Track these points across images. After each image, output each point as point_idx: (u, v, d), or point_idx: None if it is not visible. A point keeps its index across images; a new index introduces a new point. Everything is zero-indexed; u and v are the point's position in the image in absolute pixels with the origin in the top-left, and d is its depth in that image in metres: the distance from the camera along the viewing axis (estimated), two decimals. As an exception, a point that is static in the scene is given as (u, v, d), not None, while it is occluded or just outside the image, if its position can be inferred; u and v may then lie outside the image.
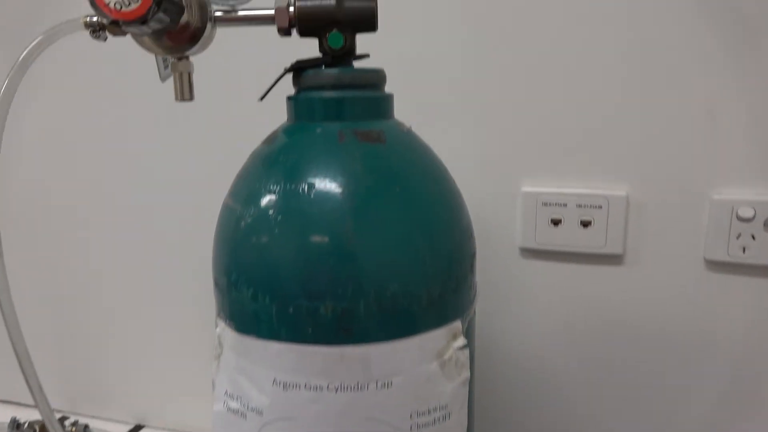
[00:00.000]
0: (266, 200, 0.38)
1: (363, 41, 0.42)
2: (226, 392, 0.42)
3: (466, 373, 0.42)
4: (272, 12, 0.41)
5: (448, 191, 0.43)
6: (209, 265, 0.43)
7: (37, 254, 0.78)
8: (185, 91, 0.42)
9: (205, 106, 0.61)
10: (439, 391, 0.40)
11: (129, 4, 0.33)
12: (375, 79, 0.42)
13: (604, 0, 0.55)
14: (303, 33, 0.41)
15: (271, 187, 0.38)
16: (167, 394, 0.79)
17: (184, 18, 0.38)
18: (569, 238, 0.59)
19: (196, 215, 0.69)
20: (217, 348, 0.43)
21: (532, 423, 0.66)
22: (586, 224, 0.58)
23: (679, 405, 0.61)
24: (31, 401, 0.53)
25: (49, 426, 0.54)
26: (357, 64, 0.43)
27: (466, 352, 0.42)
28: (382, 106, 0.42)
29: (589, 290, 0.61)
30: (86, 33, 0.42)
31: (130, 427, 0.80)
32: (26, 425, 0.73)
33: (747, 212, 0.54)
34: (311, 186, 0.37)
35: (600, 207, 0.58)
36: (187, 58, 0.42)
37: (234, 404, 0.41)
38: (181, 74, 0.42)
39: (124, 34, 0.39)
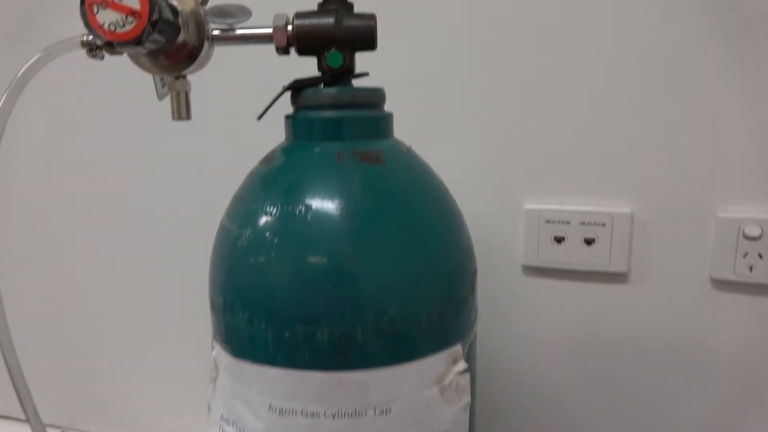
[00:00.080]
0: (263, 222, 0.38)
1: (363, 58, 0.42)
2: (222, 417, 0.41)
3: (467, 398, 0.41)
4: (270, 31, 0.41)
5: (447, 212, 0.42)
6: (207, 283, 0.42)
7: (35, 269, 0.78)
8: (182, 111, 0.42)
9: (204, 124, 0.60)
10: (438, 416, 0.39)
11: (124, 25, 0.32)
12: (374, 98, 0.42)
13: (606, 16, 0.54)
14: (301, 52, 0.41)
15: (268, 208, 0.38)
16: (166, 408, 0.78)
17: (181, 37, 0.38)
18: (572, 255, 0.58)
19: (195, 232, 0.68)
20: (213, 371, 0.42)
21: (536, 443, 0.65)
22: (589, 242, 0.58)
23: (681, 424, 0.60)
24: (23, 416, 0.52)
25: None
26: (357, 82, 0.43)
27: (467, 376, 0.41)
28: (381, 125, 0.42)
29: (593, 309, 0.60)
30: (83, 51, 0.41)
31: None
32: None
33: (754, 231, 0.53)
34: (308, 208, 0.37)
35: (604, 224, 0.57)
36: (184, 77, 0.41)
37: (230, 429, 0.40)
38: (178, 93, 0.41)
39: (120, 53, 0.38)
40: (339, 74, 0.41)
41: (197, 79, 0.43)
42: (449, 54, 0.59)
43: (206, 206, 0.64)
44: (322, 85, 0.41)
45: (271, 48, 0.41)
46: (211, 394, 0.43)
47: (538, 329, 0.62)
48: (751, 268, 0.54)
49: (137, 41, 0.33)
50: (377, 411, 0.37)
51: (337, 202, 0.37)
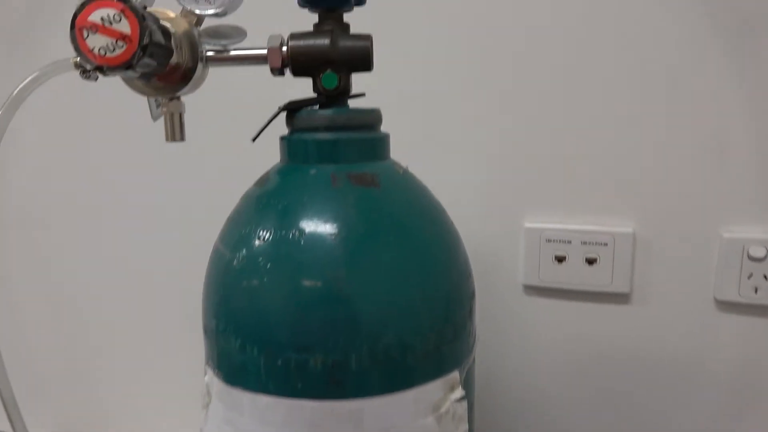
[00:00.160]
0: (255, 246, 0.37)
1: (361, 76, 0.41)
2: (214, 444, 0.40)
3: (464, 426, 0.40)
4: (265, 52, 0.40)
5: (444, 235, 0.41)
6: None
7: (35, 280, 0.78)
8: (176, 132, 0.41)
9: (199, 144, 0.60)
10: (435, 446, 0.38)
11: (114, 49, 0.32)
12: (370, 120, 0.41)
13: (606, 35, 0.53)
14: (296, 73, 0.40)
15: (261, 232, 0.37)
16: (165, 416, 0.77)
17: (174, 59, 0.37)
18: (574, 275, 0.57)
19: (191, 254, 0.68)
20: (205, 397, 0.42)
21: (537, 465, 0.64)
22: (591, 261, 0.57)
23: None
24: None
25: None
26: (353, 103, 0.42)
27: (464, 403, 0.40)
28: (377, 147, 0.41)
29: (594, 329, 0.59)
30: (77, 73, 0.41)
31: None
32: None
33: (758, 251, 0.52)
34: (302, 232, 0.36)
35: (606, 244, 0.56)
36: (178, 98, 0.41)
37: (222, 457, 0.39)
38: (172, 115, 0.41)
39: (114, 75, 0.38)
40: (334, 95, 0.40)
41: (192, 99, 0.42)
42: (449, 72, 0.58)
43: (204, 224, 0.64)
44: (318, 106, 0.41)
45: (267, 68, 0.40)
46: (203, 419, 0.42)
47: (540, 349, 0.61)
48: (756, 290, 0.53)
49: (127, 65, 0.32)
50: (372, 441, 0.36)
51: (330, 226, 0.36)
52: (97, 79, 0.41)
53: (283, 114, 0.41)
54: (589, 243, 0.56)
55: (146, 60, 0.33)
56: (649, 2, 0.52)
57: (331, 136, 0.39)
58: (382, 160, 0.41)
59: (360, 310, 0.36)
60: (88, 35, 0.32)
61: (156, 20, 0.35)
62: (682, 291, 0.55)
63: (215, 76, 0.43)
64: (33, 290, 0.77)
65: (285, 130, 0.42)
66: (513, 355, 0.61)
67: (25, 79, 0.49)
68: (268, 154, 0.43)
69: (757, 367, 0.55)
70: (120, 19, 0.32)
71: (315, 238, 0.36)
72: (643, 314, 0.57)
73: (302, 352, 0.35)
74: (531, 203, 0.58)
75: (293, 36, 0.40)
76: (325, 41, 0.39)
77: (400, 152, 0.46)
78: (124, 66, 0.32)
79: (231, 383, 0.38)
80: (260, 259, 0.37)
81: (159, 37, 0.34)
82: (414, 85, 0.59)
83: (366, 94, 0.44)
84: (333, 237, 0.36)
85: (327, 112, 0.40)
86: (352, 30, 0.42)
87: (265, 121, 0.41)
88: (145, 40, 0.32)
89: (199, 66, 0.40)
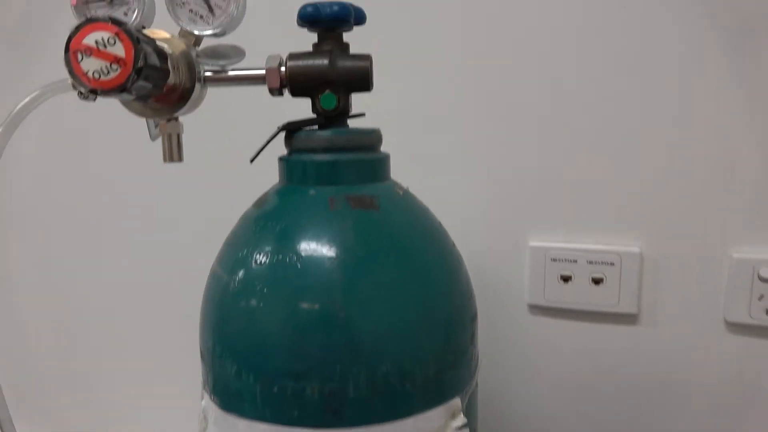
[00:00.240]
0: (252, 270, 0.36)
1: (364, 94, 0.40)
2: (210, 471, 0.39)
3: (466, 455, 0.39)
4: (263, 72, 0.40)
5: (445, 257, 0.40)
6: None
7: (35, 295, 0.77)
8: (174, 153, 0.41)
9: (198, 163, 0.59)
10: (435, 476, 0.37)
11: (108, 72, 0.32)
12: (370, 140, 0.40)
13: (613, 48, 0.53)
14: (295, 93, 0.40)
15: (258, 256, 0.36)
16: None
17: (171, 80, 0.37)
18: (580, 295, 0.56)
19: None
20: (202, 422, 0.41)
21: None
22: (597, 281, 0.55)
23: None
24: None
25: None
26: (355, 122, 0.42)
27: (466, 431, 0.39)
28: (377, 168, 0.40)
29: (601, 350, 0.57)
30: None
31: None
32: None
33: (769, 272, 0.51)
34: (299, 257, 0.35)
35: (612, 264, 0.55)
36: (176, 119, 0.40)
37: (218, 485, 0.39)
38: (170, 135, 0.40)
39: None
40: (333, 116, 0.40)
41: (191, 119, 0.42)
42: (450, 90, 0.57)
43: (203, 243, 0.63)
44: (317, 126, 0.40)
45: (266, 87, 0.40)
46: (200, 445, 0.41)
47: (546, 370, 0.59)
48: (767, 311, 0.51)
49: (122, 89, 0.32)
50: (370, 471, 0.35)
51: (328, 250, 0.35)
52: (95, 99, 0.41)
53: (282, 134, 0.41)
54: (596, 262, 0.55)
55: (141, 83, 0.32)
56: (655, 19, 0.51)
57: (330, 157, 0.39)
58: (382, 181, 0.41)
59: (358, 336, 0.35)
60: (82, 58, 0.32)
61: (152, 42, 0.34)
62: (691, 312, 0.54)
63: (214, 96, 0.42)
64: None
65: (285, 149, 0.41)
66: (518, 376, 0.60)
67: (26, 97, 0.48)
68: (269, 174, 0.42)
69: (769, 391, 0.54)
70: (114, 42, 0.31)
71: (312, 262, 0.35)
72: (651, 335, 0.56)
73: (299, 379, 0.34)
74: (536, 221, 0.57)
75: (292, 56, 0.40)
76: (323, 61, 0.39)
77: (402, 171, 0.46)
78: (118, 89, 0.32)
79: (227, 409, 0.37)
80: (256, 282, 0.36)
81: (154, 60, 0.33)
82: (416, 103, 0.58)
83: (366, 114, 0.44)
84: (330, 261, 0.35)
85: (325, 133, 0.39)
86: (353, 49, 0.41)
87: (264, 141, 0.40)
88: (140, 63, 0.32)
89: (197, 86, 0.39)
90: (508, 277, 0.58)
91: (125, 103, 0.39)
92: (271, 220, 0.38)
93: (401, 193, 0.41)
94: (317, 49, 0.40)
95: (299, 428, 0.35)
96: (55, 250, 0.75)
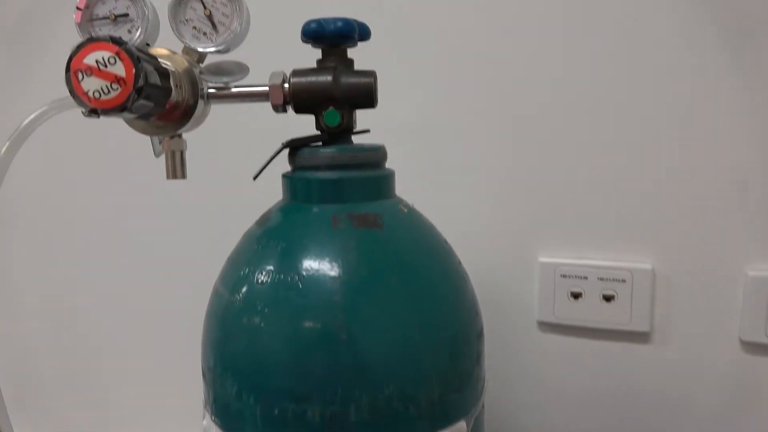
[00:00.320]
0: (253, 290, 0.36)
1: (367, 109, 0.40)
2: (210, 493, 0.39)
3: (472, 479, 0.38)
4: (267, 88, 0.39)
5: (450, 275, 0.39)
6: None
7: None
8: (177, 170, 0.41)
9: (201, 180, 0.59)
10: (440, 501, 0.36)
11: (109, 92, 0.31)
12: (374, 157, 0.40)
13: (622, 64, 0.52)
14: (298, 110, 0.40)
15: (260, 275, 0.36)
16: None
17: (174, 97, 0.37)
18: (591, 312, 0.55)
19: (194, 292, 0.67)
20: (203, 442, 0.40)
21: None
22: (608, 298, 0.54)
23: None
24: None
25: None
26: (360, 138, 0.41)
27: (472, 455, 0.38)
28: (381, 185, 0.40)
29: (612, 369, 0.56)
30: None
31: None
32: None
33: (787, 291, 0.49)
34: (300, 276, 0.35)
35: (623, 281, 0.54)
36: (179, 136, 0.40)
37: (218, 507, 0.38)
38: (173, 153, 0.40)
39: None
40: (337, 133, 0.39)
41: (194, 135, 0.42)
42: (457, 104, 0.57)
43: (205, 264, 0.63)
44: (321, 143, 0.40)
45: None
46: (201, 466, 0.41)
47: (555, 388, 0.58)
48: (784, 331, 0.50)
49: (122, 108, 0.31)
50: (372, 496, 0.34)
51: (330, 270, 0.35)
52: (99, 116, 0.41)
53: (286, 150, 0.41)
54: (606, 279, 0.54)
55: (142, 102, 0.32)
56: (663, 35, 0.50)
57: (334, 175, 0.38)
58: (386, 199, 0.40)
59: (360, 358, 0.34)
60: (83, 78, 0.31)
61: (154, 60, 0.34)
62: (705, 331, 0.53)
63: (218, 112, 0.42)
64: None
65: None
66: (527, 394, 0.59)
67: (33, 113, 0.48)
68: (274, 190, 0.42)
69: (788, 413, 0.52)
70: (115, 62, 0.31)
71: (314, 282, 0.35)
72: (664, 354, 0.54)
73: (300, 402, 0.34)
74: (545, 237, 0.56)
75: (295, 73, 0.39)
76: (327, 78, 0.39)
77: (408, 187, 0.45)
78: (118, 108, 0.32)
79: (228, 430, 0.37)
80: (257, 302, 0.36)
81: (155, 79, 0.33)
82: (422, 118, 0.58)
83: (372, 130, 0.43)
84: (332, 281, 0.35)
85: (329, 151, 0.39)
86: (357, 65, 0.41)
87: (267, 158, 0.40)
88: (140, 83, 0.31)
89: (200, 103, 0.39)
90: (517, 294, 0.57)
91: (128, 122, 0.38)
92: (274, 239, 0.38)
93: (406, 210, 0.40)
94: (321, 65, 0.40)
95: (300, 452, 0.34)
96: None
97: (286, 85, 0.39)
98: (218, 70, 0.40)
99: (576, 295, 0.55)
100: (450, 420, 0.37)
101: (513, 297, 0.58)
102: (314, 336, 0.34)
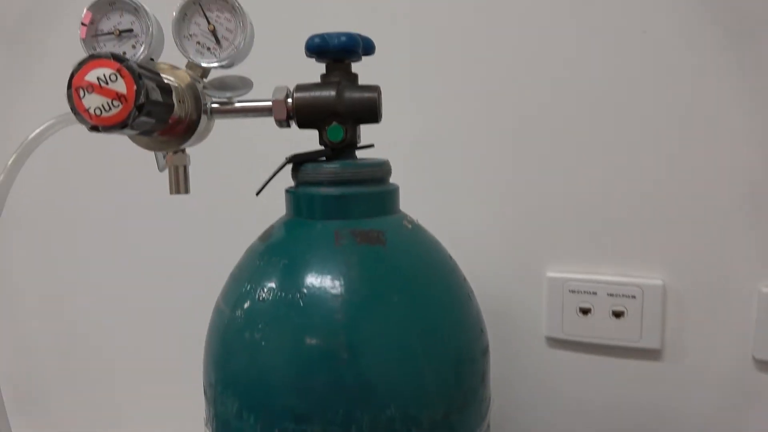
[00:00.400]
0: (254, 307, 0.36)
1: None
2: None
3: (476, 502, 0.37)
4: (270, 103, 0.39)
5: (454, 292, 0.39)
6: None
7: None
8: (180, 185, 0.40)
9: (205, 194, 0.58)
10: None
11: (110, 109, 0.31)
12: (378, 173, 0.39)
13: (638, 73, 0.51)
14: (302, 125, 0.39)
15: (261, 292, 0.36)
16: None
17: (177, 113, 0.37)
18: (600, 329, 0.54)
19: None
20: (204, 460, 0.40)
21: None
22: (618, 314, 0.53)
23: None
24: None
25: None
26: (365, 153, 0.41)
27: (476, 477, 0.37)
28: (385, 201, 0.39)
29: (622, 387, 0.55)
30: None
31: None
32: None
33: (802, 308, 0.48)
34: (302, 294, 0.34)
35: (633, 297, 0.53)
36: (182, 150, 0.40)
37: None
38: (176, 167, 0.40)
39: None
40: (341, 148, 0.39)
41: (198, 150, 0.42)
42: (466, 116, 0.56)
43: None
44: (325, 158, 0.40)
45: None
46: (202, 484, 0.40)
47: (563, 405, 0.57)
48: (800, 350, 0.49)
49: (123, 125, 0.31)
50: None
51: (332, 288, 0.34)
52: (100, 132, 0.41)
53: (290, 165, 0.40)
54: (616, 295, 0.53)
55: (143, 119, 0.32)
56: (673, 49, 0.50)
57: (337, 191, 0.38)
58: (390, 214, 0.40)
59: (361, 378, 0.34)
60: (84, 95, 0.31)
61: (156, 76, 0.34)
62: (717, 349, 0.52)
63: (222, 126, 0.42)
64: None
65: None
66: (534, 412, 0.58)
67: (39, 127, 0.49)
68: (278, 204, 0.42)
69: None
70: (116, 79, 0.31)
71: (315, 300, 0.34)
72: (675, 373, 0.53)
73: (300, 421, 0.33)
74: (553, 251, 0.55)
75: (299, 87, 0.39)
76: (330, 93, 0.38)
77: (413, 202, 0.45)
78: (119, 126, 0.31)
79: (228, 450, 0.36)
80: (258, 320, 0.35)
81: (156, 96, 0.33)
82: (428, 132, 0.57)
83: (376, 144, 0.43)
84: (333, 300, 0.34)
85: (332, 166, 0.38)
86: (362, 79, 0.41)
87: (270, 173, 0.40)
88: (141, 100, 0.31)
89: (203, 118, 0.39)
90: (525, 309, 0.57)
91: (131, 137, 0.38)
92: (276, 255, 0.37)
93: (410, 226, 0.40)
94: (325, 80, 0.40)
95: (300, 473, 0.34)
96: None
97: (290, 100, 0.39)
98: (222, 84, 0.40)
99: (585, 311, 0.54)
100: (454, 441, 0.36)
101: (520, 312, 0.57)
102: (315, 355, 0.34)
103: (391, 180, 0.41)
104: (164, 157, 0.42)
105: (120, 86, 0.31)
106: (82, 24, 0.38)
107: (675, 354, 0.53)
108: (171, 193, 0.41)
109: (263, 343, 0.35)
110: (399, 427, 0.34)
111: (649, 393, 0.54)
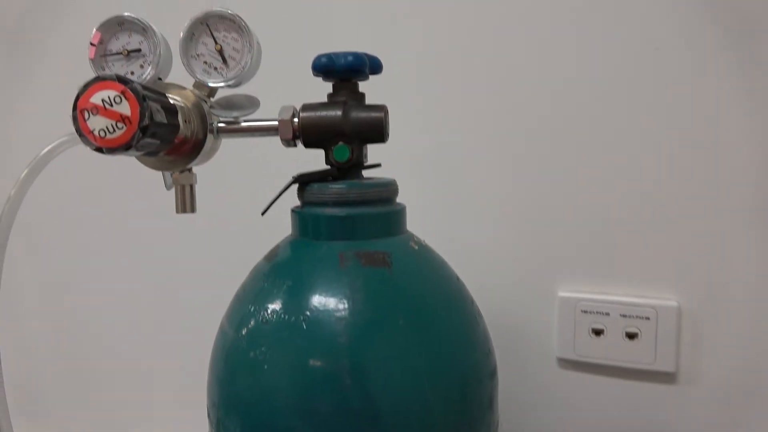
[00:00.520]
0: (258, 330, 0.35)
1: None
2: None
3: None
4: (276, 123, 0.39)
5: (460, 314, 0.38)
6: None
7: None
8: (187, 204, 0.40)
9: (211, 213, 0.58)
10: None
11: (114, 131, 0.31)
12: (385, 193, 0.39)
13: (645, 89, 0.50)
14: (308, 144, 0.39)
15: (264, 315, 0.35)
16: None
17: (182, 132, 0.37)
18: (613, 350, 0.53)
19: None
20: (207, 482, 0.39)
21: None
22: (632, 336, 0.52)
23: None
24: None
25: None
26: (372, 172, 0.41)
27: (482, 505, 0.36)
28: (391, 222, 0.39)
29: (636, 411, 0.54)
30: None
31: None
32: None
33: (823, 333, 0.47)
34: (305, 318, 0.34)
35: (647, 318, 0.51)
36: (189, 170, 0.40)
37: None
38: (183, 187, 0.40)
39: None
40: (347, 168, 0.39)
41: (204, 169, 0.42)
42: (475, 134, 0.56)
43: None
44: (331, 178, 0.39)
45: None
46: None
47: (574, 429, 0.56)
48: (821, 376, 0.47)
49: (127, 147, 0.31)
50: None
51: (335, 312, 0.34)
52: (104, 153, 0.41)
53: (295, 185, 0.40)
54: (629, 316, 0.52)
55: (147, 140, 0.32)
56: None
57: (342, 211, 0.37)
58: (397, 235, 0.39)
59: (364, 404, 0.33)
60: (89, 117, 0.31)
61: (161, 97, 0.34)
62: (734, 372, 0.50)
63: (229, 146, 0.42)
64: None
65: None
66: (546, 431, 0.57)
67: (54, 142, 0.49)
68: (286, 222, 0.41)
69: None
70: (121, 101, 0.31)
71: (318, 323, 0.34)
72: (691, 396, 0.52)
73: (302, 449, 0.33)
74: (565, 270, 0.54)
75: (305, 107, 0.39)
76: (336, 113, 0.38)
77: (421, 220, 0.44)
78: (123, 147, 0.31)
79: (230, 475, 0.36)
80: (261, 343, 0.35)
81: (161, 117, 0.33)
82: (437, 150, 0.57)
83: (384, 163, 0.43)
84: (337, 323, 0.34)
85: (338, 186, 0.38)
86: (369, 97, 0.40)
87: (276, 193, 0.39)
88: (145, 122, 0.31)
89: (210, 137, 0.39)
90: (536, 329, 0.56)
91: (138, 158, 0.38)
92: (280, 276, 0.37)
93: (416, 247, 0.39)
94: (331, 99, 0.39)
95: (302, 501, 0.33)
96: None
97: (296, 120, 0.39)
98: (228, 104, 0.40)
99: (598, 332, 0.53)
100: (459, 469, 0.35)
101: (531, 333, 0.56)
102: (318, 379, 0.33)
103: (399, 199, 0.41)
104: (171, 175, 0.42)
105: (124, 108, 0.31)
106: (91, 44, 0.38)
107: (690, 377, 0.51)
108: (177, 212, 0.41)
109: (266, 366, 0.34)
110: (403, 455, 0.33)
111: (664, 417, 0.53)
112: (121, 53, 0.38)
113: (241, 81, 0.39)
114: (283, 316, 0.35)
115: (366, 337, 0.34)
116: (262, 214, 0.39)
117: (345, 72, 0.39)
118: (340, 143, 0.38)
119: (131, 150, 0.32)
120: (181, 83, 0.39)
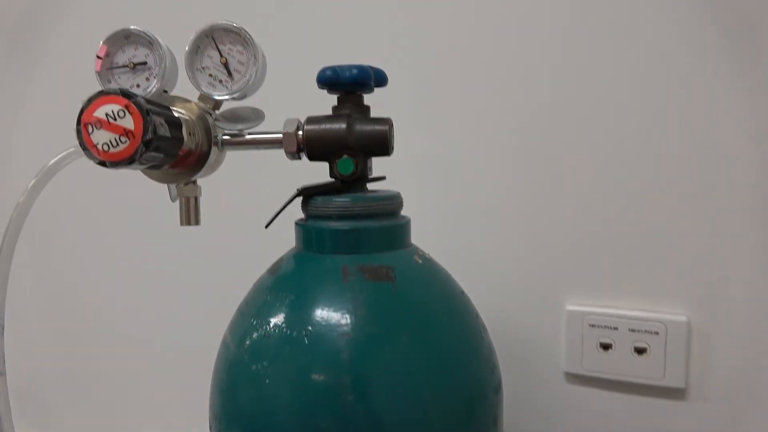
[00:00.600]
0: (260, 344, 0.35)
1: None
2: None
3: None
4: (281, 135, 0.39)
5: (464, 329, 0.38)
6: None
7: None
8: (191, 217, 0.40)
9: (214, 225, 0.58)
10: None
11: (117, 145, 0.31)
12: (389, 207, 0.39)
13: (655, 98, 0.50)
14: (312, 157, 0.39)
15: (267, 328, 0.35)
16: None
17: (187, 145, 0.37)
18: (621, 365, 0.52)
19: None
20: (208, 497, 0.39)
21: None
22: (640, 351, 0.51)
23: None
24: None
25: None
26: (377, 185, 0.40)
27: None
28: (395, 235, 0.39)
29: (644, 427, 0.53)
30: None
31: None
32: None
33: (837, 350, 0.46)
34: (307, 332, 0.34)
35: (657, 333, 0.51)
36: (194, 182, 0.40)
37: None
38: (187, 199, 0.40)
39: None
40: (351, 181, 0.39)
41: (208, 181, 0.42)
42: (482, 145, 0.55)
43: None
44: (335, 190, 0.39)
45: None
46: None
47: (584, 444, 0.55)
48: (835, 394, 0.46)
49: (130, 161, 0.31)
50: None
51: (337, 327, 0.34)
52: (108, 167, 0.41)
53: (300, 198, 0.40)
54: (638, 331, 0.51)
55: (150, 154, 0.32)
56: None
57: (346, 225, 0.37)
58: (401, 248, 0.39)
59: (366, 422, 0.33)
60: (93, 131, 0.31)
61: (165, 111, 0.34)
62: (745, 388, 0.49)
63: (233, 158, 0.42)
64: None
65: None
66: (554, 449, 0.56)
67: (60, 153, 0.49)
68: (289, 235, 0.41)
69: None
70: (124, 115, 0.31)
71: (320, 338, 0.34)
72: (701, 413, 0.51)
73: (304, 463, 0.32)
74: (573, 283, 0.54)
75: (309, 120, 0.39)
76: (341, 126, 0.38)
77: (427, 232, 0.44)
78: (126, 161, 0.31)
79: (231, 488, 0.36)
80: (263, 357, 0.35)
81: (164, 131, 0.33)
82: (443, 161, 0.57)
83: (389, 176, 0.42)
84: (339, 338, 0.33)
85: (342, 200, 0.38)
86: (374, 110, 0.40)
87: (280, 206, 0.39)
88: (149, 136, 0.31)
89: (214, 150, 0.39)
90: (543, 343, 0.55)
91: (143, 171, 0.38)
92: (282, 290, 0.37)
93: (420, 261, 0.39)
94: (336, 112, 0.39)
95: None
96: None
97: (300, 133, 0.39)
98: (233, 116, 0.40)
99: (606, 347, 0.52)
100: (463, 487, 0.35)
101: (539, 347, 0.55)
102: (320, 394, 0.33)
103: (404, 211, 0.41)
104: (176, 188, 0.42)
105: (128, 122, 0.31)
106: (98, 57, 0.38)
107: (700, 393, 0.51)
108: (182, 224, 0.41)
109: (267, 380, 0.34)
110: (405, 473, 0.33)
111: (673, 434, 0.52)
112: (127, 66, 0.38)
113: (245, 93, 0.39)
114: (285, 330, 0.34)
115: (368, 353, 0.33)
116: (266, 226, 0.39)
117: (350, 85, 0.38)
118: (345, 156, 0.38)
119: (135, 164, 0.32)
120: (186, 96, 0.39)
